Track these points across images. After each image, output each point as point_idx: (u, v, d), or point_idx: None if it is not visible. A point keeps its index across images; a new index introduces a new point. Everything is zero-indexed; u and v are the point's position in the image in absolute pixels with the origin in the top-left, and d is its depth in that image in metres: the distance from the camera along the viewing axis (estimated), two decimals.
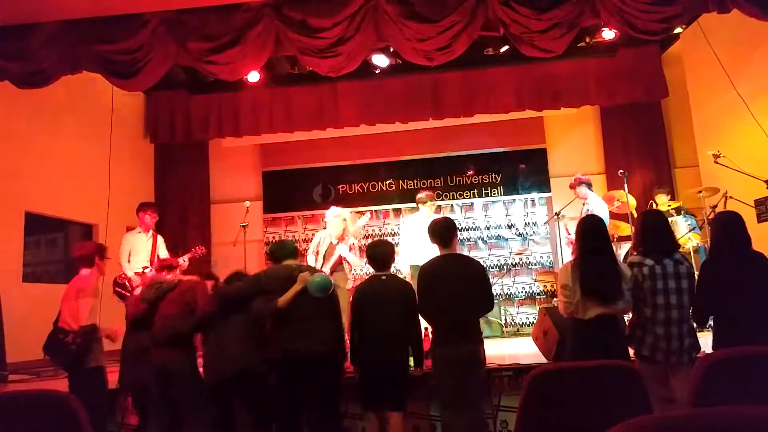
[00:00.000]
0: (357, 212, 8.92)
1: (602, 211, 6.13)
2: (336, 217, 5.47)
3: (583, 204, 6.36)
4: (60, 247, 7.53)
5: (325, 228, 5.71)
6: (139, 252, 5.96)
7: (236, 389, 3.79)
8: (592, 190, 6.46)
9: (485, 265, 4.23)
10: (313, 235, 6.09)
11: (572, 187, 6.50)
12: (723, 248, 3.38)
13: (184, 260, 5.58)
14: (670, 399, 3.32)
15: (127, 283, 5.77)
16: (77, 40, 5.04)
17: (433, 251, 4.00)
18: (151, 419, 3.97)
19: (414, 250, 5.57)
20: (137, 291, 5.06)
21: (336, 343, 3.86)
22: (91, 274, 4.04)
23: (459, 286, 3.67)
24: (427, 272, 3.83)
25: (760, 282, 3.24)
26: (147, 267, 5.90)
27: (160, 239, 6.18)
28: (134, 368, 4.08)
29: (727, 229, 3.40)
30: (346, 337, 4.22)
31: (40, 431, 1.95)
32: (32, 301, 5.96)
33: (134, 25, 5.03)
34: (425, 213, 5.88)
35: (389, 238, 8.48)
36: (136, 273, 5.83)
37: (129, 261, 5.95)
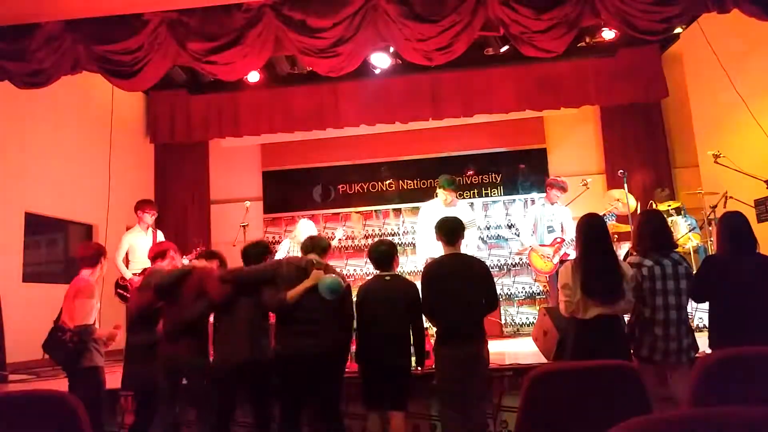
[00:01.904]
0: (357, 212, 9.00)
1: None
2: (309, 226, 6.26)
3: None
4: (60, 247, 7.53)
5: (292, 234, 6.48)
6: (140, 251, 5.80)
7: (242, 379, 3.72)
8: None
9: None
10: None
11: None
12: (729, 247, 3.40)
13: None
14: (670, 399, 3.32)
15: (128, 285, 5.73)
16: (77, 40, 5.03)
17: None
18: (159, 414, 3.89)
19: (430, 242, 5.29)
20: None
21: (339, 345, 3.80)
22: (91, 275, 4.03)
23: (463, 286, 3.67)
24: (430, 272, 3.83)
25: (760, 283, 3.25)
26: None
27: (160, 234, 6.11)
28: (141, 367, 3.93)
29: (733, 229, 3.42)
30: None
31: (40, 431, 1.95)
32: (32, 301, 5.96)
33: (134, 25, 5.02)
34: (440, 200, 5.72)
35: (389, 238, 8.49)
36: (135, 274, 5.75)
37: (128, 263, 5.91)
